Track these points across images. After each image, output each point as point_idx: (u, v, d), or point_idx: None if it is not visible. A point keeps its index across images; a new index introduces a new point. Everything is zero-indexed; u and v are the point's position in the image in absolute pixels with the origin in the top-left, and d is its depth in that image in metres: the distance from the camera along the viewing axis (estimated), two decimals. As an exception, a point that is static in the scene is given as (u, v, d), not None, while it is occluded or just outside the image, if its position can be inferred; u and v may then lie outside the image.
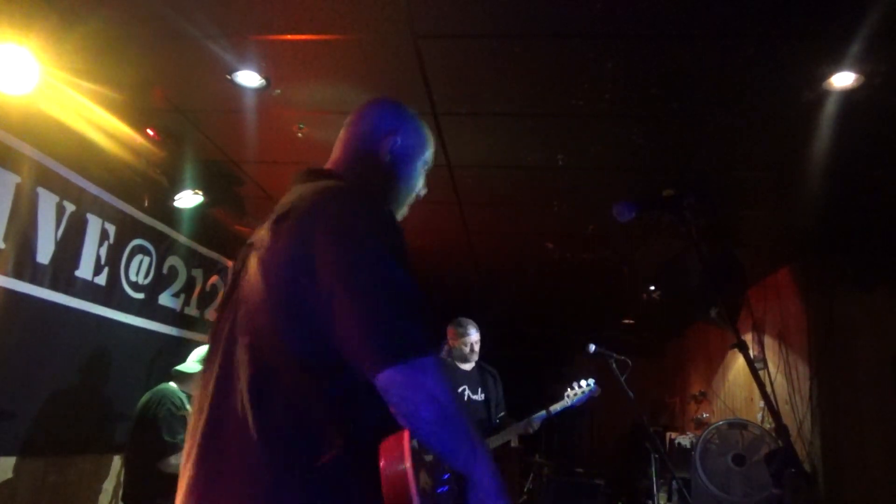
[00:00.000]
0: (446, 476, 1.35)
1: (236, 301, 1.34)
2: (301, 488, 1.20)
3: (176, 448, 3.20)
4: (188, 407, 3.43)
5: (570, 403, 4.39)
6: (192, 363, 3.60)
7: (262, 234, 1.34)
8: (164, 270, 4.21)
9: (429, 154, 1.68)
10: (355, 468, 1.21)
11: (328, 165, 1.59)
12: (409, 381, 1.19)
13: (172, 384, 3.42)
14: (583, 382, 4.42)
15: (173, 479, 3.34)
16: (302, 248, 1.25)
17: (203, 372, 1.38)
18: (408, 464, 1.19)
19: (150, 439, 3.20)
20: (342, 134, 1.63)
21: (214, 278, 4.82)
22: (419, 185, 1.66)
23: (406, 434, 1.23)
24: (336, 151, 1.61)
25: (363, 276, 1.23)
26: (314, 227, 1.27)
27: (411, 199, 1.66)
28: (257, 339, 1.28)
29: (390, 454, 1.21)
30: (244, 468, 1.22)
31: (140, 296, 3.95)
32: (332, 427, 1.22)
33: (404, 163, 1.60)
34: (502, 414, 4.45)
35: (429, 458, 1.34)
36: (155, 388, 3.38)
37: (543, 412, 4.30)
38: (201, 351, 3.68)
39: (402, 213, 1.64)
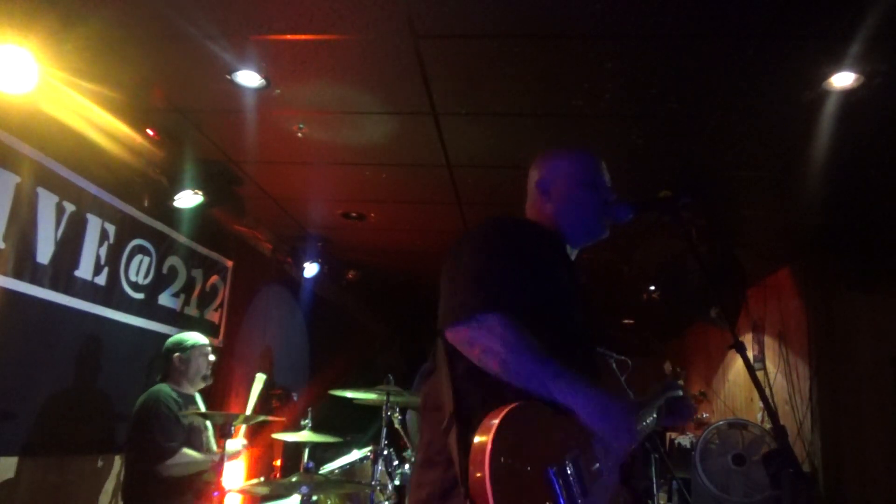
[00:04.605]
0: (564, 461, 1.35)
1: None
2: (427, 457, 1.50)
3: (172, 451, 3.18)
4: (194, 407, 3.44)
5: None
6: None
7: None
8: (164, 270, 4.20)
9: (583, 174, 1.81)
10: (460, 436, 1.37)
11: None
12: (466, 339, 1.43)
13: (165, 386, 3.41)
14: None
15: (173, 481, 3.33)
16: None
17: None
18: (489, 441, 1.26)
19: (146, 442, 3.19)
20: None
21: (214, 278, 4.81)
22: (597, 203, 1.78)
23: (504, 410, 1.30)
24: (525, 206, 1.88)
25: (449, 270, 1.55)
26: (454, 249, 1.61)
27: (601, 214, 1.77)
28: (435, 341, 1.59)
29: (482, 428, 1.29)
30: (424, 434, 1.57)
31: (140, 296, 3.95)
32: (449, 400, 1.44)
33: (568, 199, 1.78)
34: None
35: (549, 435, 1.37)
36: (149, 390, 3.37)
37: None
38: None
39: (600, 230, 1.79)
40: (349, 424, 4.78)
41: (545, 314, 1.55)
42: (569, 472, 1.33)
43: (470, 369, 1.45)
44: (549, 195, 1.79)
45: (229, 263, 5.02)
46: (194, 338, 3.56)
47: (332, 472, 3.81)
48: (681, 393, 1.86)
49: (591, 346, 1.76)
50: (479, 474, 1.23)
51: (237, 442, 3.62)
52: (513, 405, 1.32)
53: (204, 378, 3.54)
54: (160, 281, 4.15)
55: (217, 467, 3.12)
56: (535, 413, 1.36)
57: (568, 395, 1.36)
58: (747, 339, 5.76)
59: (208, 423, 3.49)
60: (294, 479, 3.12)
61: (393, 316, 8.31)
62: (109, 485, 3.63)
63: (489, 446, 1.24)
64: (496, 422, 1.28)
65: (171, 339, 3.58)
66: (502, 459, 1.24)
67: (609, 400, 1.37)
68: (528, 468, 1.29)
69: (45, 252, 3.21)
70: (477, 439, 1.28)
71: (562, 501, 1.28)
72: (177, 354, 3.47)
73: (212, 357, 3.59)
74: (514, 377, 1.38)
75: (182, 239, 4.34)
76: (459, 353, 1.47)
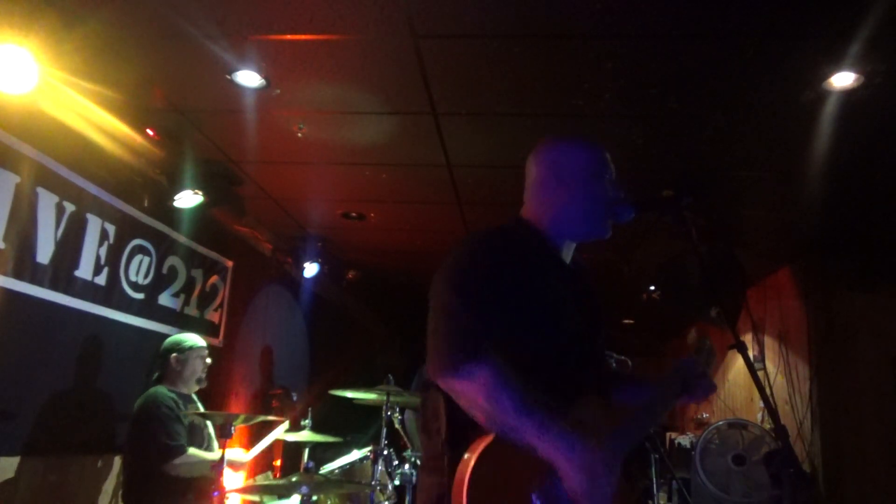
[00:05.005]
0: (545, 488, 1.36)
1: None
2: (428, 464, 1.57)
3: (180, 451, 3.19)
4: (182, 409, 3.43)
5: None
6: None
7: None
8: (164, 270, 4.20)
9: (595, 165, 1.75)
10: (452, 457, 1.42)
11: (521, 211, 1.80)
12: (453, 390, 1.44)
13: (162, 387, 3.41)
14: None
15: (176, 481, 3.32)
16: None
17: None
18: (470, 465, 1.31)
19: (150, 443, 3.19)
20: (525, 182, 1.82)
21: (214, 278, 4.81)
22: (606, 196, 1.72)
23: (489, 437, 1.36)
24: (524, 198, 1.82)
25: (432, 303, 1.53)
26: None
27: (607, 209, 1.72)
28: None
29: (468, 452, 1.34)
30: (424, 441, 1.63)
31: (140, 296, 3.95)
32: (446, 421, 1.49)
33: (574, 188, 1.71)
34: None
35: (532, 461, 1.38)
36: (147, 392, 3.37)
37: None
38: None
39: (604, 227, 1.73)
40: (349, 424, 4.78)
41: (534, 334, 1.55)
42: (557, 491, 1.34)
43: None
44: (561, 182, 1.72)
45: (229, 263, 5.01)
46: (193, 339, 3.56)
47: (332, 472, 3.81)
48: (701, 368, 1.82)
49: (596, 345, 1.74)
50: None
51: (239, 452, 3.63)
52: (491, 437, 1.35)
53: (198, 381, 3.54)
54: (160, 281, 4.15)
55: (217, 467, 3.12)
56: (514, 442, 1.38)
57: (550, 451, 1.37)
58: (747, 339, 5.76)
59: (208, 422, 3.49)
60: (294, 479, 3.12)
61: (393, 316, 8.31)
62: (109, 485, 3.63)
63: (467, 478, 1.28)
64: (475, 455, 1.31)
65: (169, 339, 3.58)
66: (481, 491, 1.27)
67: (592, 457, 1.36)
68: (511, 495, 1.32)
69: (45, 252, 3.21)
70: (459, 469, 1.32)
71: None
72: (174, 355, 3.47)
73: (208, 360, 3.60)
74: (498, 430, 1.39)
75: (182, 239, 4.34)
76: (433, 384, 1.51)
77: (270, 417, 3.91)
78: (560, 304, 1.65)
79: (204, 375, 3.56)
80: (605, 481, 1.37)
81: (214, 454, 3.34)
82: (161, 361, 3.50)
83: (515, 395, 1.39)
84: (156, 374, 3.50)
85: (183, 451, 3.20)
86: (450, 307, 1.50)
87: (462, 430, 1.43)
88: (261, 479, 3.88)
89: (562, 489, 1.36)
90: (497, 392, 1.38)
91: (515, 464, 1.35)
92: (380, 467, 3.50)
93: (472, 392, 1.41)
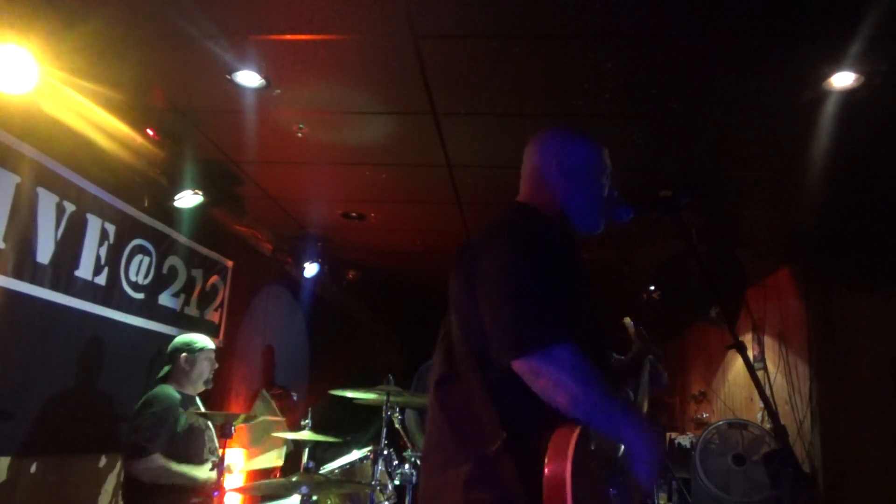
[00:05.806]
0: (616, 480, 1.37)
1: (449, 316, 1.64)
2: (475, 475, 1.42)
3: (144, 452, 3.11)
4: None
5: None
6: None
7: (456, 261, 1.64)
8: (164, 270, 4.20)
9: (599, 160, 1.77)
10: (518, 461, 1.36)
11: (518, 197, 1.81)
12: (534, 370, 1.38)
13: (167, 386, 3.40)
14: None
15: (145, 486, 3.24)
16: (473, 268, 1.54)
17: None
18: (568, 466, 1.26)
19: (127, 440, 3.19)
20: (523, 168, 1.84)
21: (214, 278, 4.81)
22: (604, 191, 1.76)
23: (574, 433, 1.31)
24: (521, 184, 1.82)
25: (496, 283, 1.48)
26: (479, 252, 1.56)
27: (603, 206, 1.75)
28: (451, 348, 1.57)
29: (554, 452, 1.30)
30: (440, 456, 1.51)
31: (140, 296, 3.95)
32: (498, 420, 1.41)
33: (576, 178, 1.73)
34: None
35: (603, 455, 1.38)
36: (150, 391, 3.36)
37: None
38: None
39: (598, 223, 1.77)
40: (349, 424, 4.78)
41: (584, 321, 1.54)
42: (623, 486, 1.36)
43: (504, 384, 1.42)
44: (562, 174, 1.73)
45: (229, 263, 5.01)
46: (203, 341, 3.56)
47: (332, 472, 3.81)
48: (652, 358, 1.87)
49: (604, 335, 1.76)
50: None
51: (237, 456, 3.62)
52: (576, 430, 1.33)
53: (206, 382, 3.55)
54: (160, 281, 4.15)
55: (218, 466, 3.11)
56: (590, 436, 1.37)
57: (631, 435, 1.39)
58: (747, 339, 5.76)
59: (209, 423, 3.49)
60: (294, 479, 3.12)
61: (393, 316, 8.31)
62: (109, 485, 3.63)
63: (569, 479, 1.25)
64: (570, 452, 1.28)
65: (179, 339, 3.58)
66: (577, 488, 1.25)
67: (654, 440, 1.40)
68: (596, 492, 1.33)
69: (45, 252, 3.21)
70: (552, 470, 1.28)
71: None
72: (184, 355, 3.47)
73: (216, 364, 3.61)
74: (580, 411, 1.36)
75: (182, 239, 4.34)
76: (490, 365, 1.44)
77: (270, 417, 3.91)
78: (591, 295, 1.67)
79: (211, 377, 3.57)
80: (657, 466, 1.41)
81: (200, 471, 3.25)
82: (169, 360, 3.50)
83: (600, 378, 1.39)
84: (162, 372, 3.50)
85: (146, 453, 3.11)
86: (523, 285, 1.46)
87: (522, 433, 1.38)
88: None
89: (624, 477, 1.38)
90: (585, 373, 1.37)
91: (594, 460, 1.35)
92: (380, 467, 3.50)
93: (557, 373, 1.36)
